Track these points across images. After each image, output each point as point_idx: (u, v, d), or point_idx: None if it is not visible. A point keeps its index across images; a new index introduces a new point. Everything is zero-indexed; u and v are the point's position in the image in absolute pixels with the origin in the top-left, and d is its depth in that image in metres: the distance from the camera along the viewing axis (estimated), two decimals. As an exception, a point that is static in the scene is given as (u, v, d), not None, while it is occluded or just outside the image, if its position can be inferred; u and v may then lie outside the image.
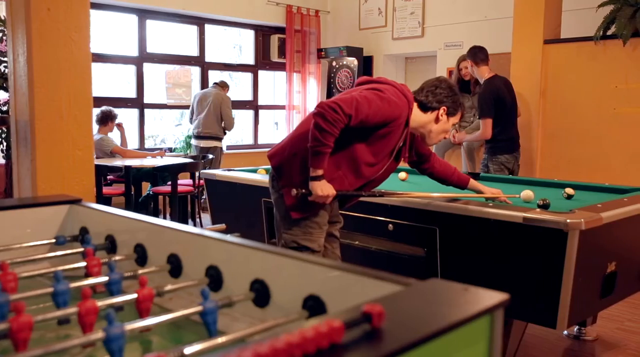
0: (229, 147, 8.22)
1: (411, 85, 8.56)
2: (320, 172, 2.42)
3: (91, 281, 1.40)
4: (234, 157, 7.87)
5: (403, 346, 0.79)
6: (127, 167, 5.48)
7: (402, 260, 2.96)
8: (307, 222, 2.55)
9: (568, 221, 2.34)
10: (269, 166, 4.21)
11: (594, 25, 4.90)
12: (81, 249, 1.63)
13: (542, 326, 2.66)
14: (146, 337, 1.32)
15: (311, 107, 8.77)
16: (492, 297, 0.98)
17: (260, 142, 8.71)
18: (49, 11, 2.43)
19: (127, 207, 5.59)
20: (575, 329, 3.45)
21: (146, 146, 7.58)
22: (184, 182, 6.16)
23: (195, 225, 6.09)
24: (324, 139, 2.34)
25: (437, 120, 2.63)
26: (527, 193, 2.93)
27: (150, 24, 7.40)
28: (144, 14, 7.25)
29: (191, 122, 6.78)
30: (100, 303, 1.22)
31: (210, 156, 6.47)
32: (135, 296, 1.27)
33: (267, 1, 8.18)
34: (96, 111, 6.14)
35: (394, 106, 2.46)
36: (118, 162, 5.65)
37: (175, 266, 1.54)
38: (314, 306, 1.22)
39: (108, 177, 6.28)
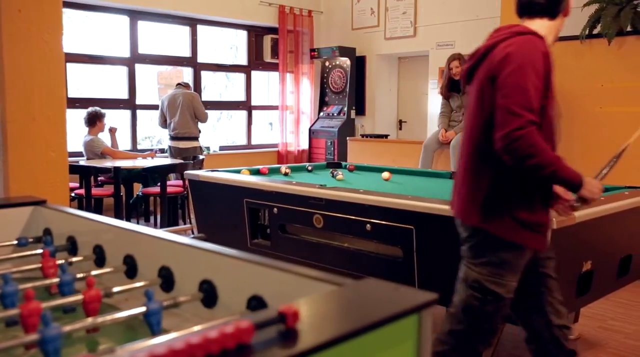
0: (222, 148, 8.24)
1: (404, 85, 8.61)
2: (578, 177, 2.02)
3: (40, 282, 1.41)
4: (228, 157, 7.88)
5: (315, 345, 0.80)
6: (116, 168, 5.49)
7: (381, 260, 2.97)
8: (502, 259, 2.10)
9: (540, 220, 2.34)
10: (253, 167, 4.24)
11: (581, 24, 4.90)
12: (40, 251, 1.64)
13: (516, 325, 2.66)
14: (93, 338, 1.33)
15: (304, 107, 8.78)
16: (420, 296, 0.99)
17: (253, 142, 8.72)
18: (19, 12, 2.43)
19: (117, 208, 5.61)
20: (557, 328, 3.45)
21: (143, 147, 7.60)
22: (174, 183, 6.17)
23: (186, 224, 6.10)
24: (548, 165, 1.95)
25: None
26: None
27: (142, 24, 7.41)
28: (135, 15, 7.26)
29: (164, 126, 6.77)
30: (44, 304, 1.22)
31: (201, 157, 6.48)
32: (81, 297, 1.27)
33: (260, 1, 8.19)
34: (83, 113, 6.18)
35: (534, 56, 2.02)
36: (107, 164, 5.67)
37: (130, 267, 1.55)
38: (257, 306, 1.22)
39: (99, 178, 6.30)
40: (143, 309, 1.22)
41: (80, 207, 5.68)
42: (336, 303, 0.96)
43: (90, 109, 6.15)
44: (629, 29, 4.58)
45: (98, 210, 6.17)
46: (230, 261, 1.31)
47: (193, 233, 5.51)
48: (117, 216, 5.58)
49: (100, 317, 1.17)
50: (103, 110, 6.18)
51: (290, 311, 0.84)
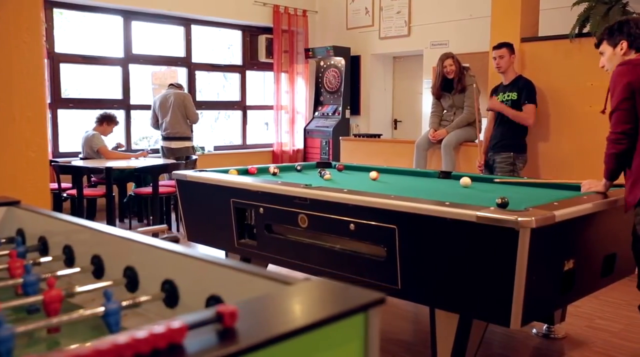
0: (216, 148, 8.24)
1: (399, 85, 8.60)
2: None
3: (4, 283, 1.41)
4: (223, 157, 7.89)
5: (250, 345, 0.80)
6: (108, 169, 5.50)
7: (365, 259, 2.97)
8: None
9: (519, 219, 2.33)
10: (242, 167, 4.24)
11: (570, 23, 4.89)
12: (7, 251, 1.64)
13: (497, 324, 2.66)
14: (56, 338, 1.33)
15: (299, 107, 8.77)
16: (367, 295, 0.99)
17: (248, 142, 8.72)
18: (-2, 13, 2.45)
19: (109, 208, 5.61)
20: (544, 327, 3.45)
21: (140, 147, 7.61)
22: (167, 183, 6.18)
23: (178, 225, 6.10)
24: None
25: None
26: (465, 180, 3.57)
27: (136, 25, 7.42)
28: (129, 15, 7.27)
29: (156, 127, 6.78)
30: (4, 305, 1.23)
31: (194, 157, 6.49)
32: (41, 297, 1.28)
33: (254, 1, 8.19)
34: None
35: (619, 81, 2.82)
36: (99, 164, 5.67)
37: (97, 267, 1.55)
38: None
39: (92, 178, 6.32)
40: (101, 309, 1.22)
41: (72, 208, 5.69)
42: (280, 302, 0.96)
43: (108, 110, 6.31)
44: (618, 27, 4.57)
45: (91, 210, 6.19)
46: (190, 261, 1.31)
47: (167, 233, 5.54)
48: (109, 216, 5.59)
49: (55, 318, 1.17)
50: (118, 119, 6.34)
51: (228, 310, 0.84)
